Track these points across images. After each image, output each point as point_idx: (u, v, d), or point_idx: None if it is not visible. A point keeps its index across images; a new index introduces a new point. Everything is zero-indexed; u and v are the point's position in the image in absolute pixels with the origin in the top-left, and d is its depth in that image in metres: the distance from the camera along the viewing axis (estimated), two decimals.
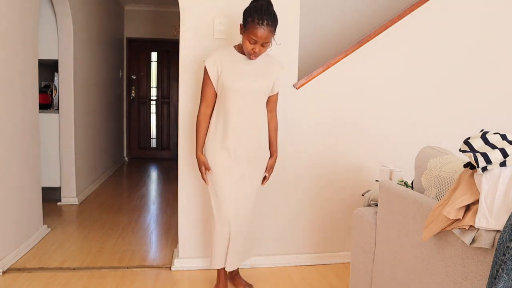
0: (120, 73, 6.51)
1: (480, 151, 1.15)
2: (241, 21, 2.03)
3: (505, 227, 1.04)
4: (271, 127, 2.25)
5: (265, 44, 1.99)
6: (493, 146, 1.15)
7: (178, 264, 2.64)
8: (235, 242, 2.18)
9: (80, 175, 4.20)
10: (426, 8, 2.69)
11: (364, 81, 2.73)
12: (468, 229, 1.16)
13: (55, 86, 4.11)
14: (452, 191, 1.29)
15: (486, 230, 1.12)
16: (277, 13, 2.00)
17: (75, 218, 3.66)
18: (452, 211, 1.19)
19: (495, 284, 1.01)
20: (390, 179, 2.05)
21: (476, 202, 1.17)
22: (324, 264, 2.75)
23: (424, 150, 1.65)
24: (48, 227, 3.26)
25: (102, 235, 3.22)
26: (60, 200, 4.02)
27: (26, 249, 2.82)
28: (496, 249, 1.04)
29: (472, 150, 1.18)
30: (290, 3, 2.57)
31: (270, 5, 2.01)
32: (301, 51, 2.78)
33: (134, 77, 6.93)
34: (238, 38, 2.15)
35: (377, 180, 2.11)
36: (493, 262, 1.03)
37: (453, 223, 1.21)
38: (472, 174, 1.23)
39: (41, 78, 3.41)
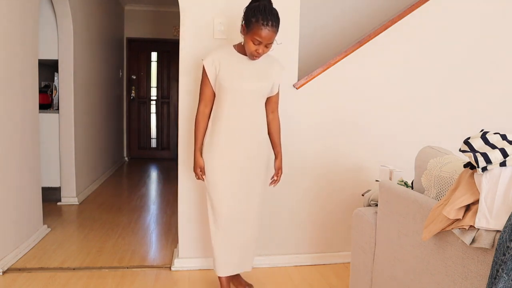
0: (120, 73, 6.51)
1: (480, 151, 1.15)
2: (242, 21, 1.99)
3: (505, 227, 1.04)
4: (274, 128, 2.22)
5: (268, 45, 1.97)
6: (493, 146, 1.15)
7: (178, 264, 2.64)
8: (239, 245, 2.16)
9: (80, 175, 4.20)
10: (426, 8, 2.69)
11: (364, 81, 2.73)
12: (468, 229, 1.16)
13: (55, 86, 4.11)
14: (452, 191, 1.29)
15: (486, 230, 1.12)
16: None
17: (75, 218, 3.66)
18: (452, 211, 1.19)
19: (495, 284, 1.01)
20: (390, 179, 2.05)
21: (476, 202, 1.17)
22: (324, 264, 2.75)
23: (424, 150, 1.65)
24: (48, 227, 3.26)
25: (102, 235, 3.22)
26: (60, 200, 4.03)
27: (26, 249, 2.82)
28: (496, 249, 1.04)
29: (472, 150, 1.18)
30: (290, 3, 2.56)
31: (271, 4, 1.98)
32: (301, 51, 2.78)
33: (134, 77, 6.93)
34: (238, 38, 2.13)
35: (377, 180, 2.11)
36: (493, 262, 1.04)
37: (453, 223, 1.21)
38: (472, 174, 1.23)
39: (41, 78, 3.41)
